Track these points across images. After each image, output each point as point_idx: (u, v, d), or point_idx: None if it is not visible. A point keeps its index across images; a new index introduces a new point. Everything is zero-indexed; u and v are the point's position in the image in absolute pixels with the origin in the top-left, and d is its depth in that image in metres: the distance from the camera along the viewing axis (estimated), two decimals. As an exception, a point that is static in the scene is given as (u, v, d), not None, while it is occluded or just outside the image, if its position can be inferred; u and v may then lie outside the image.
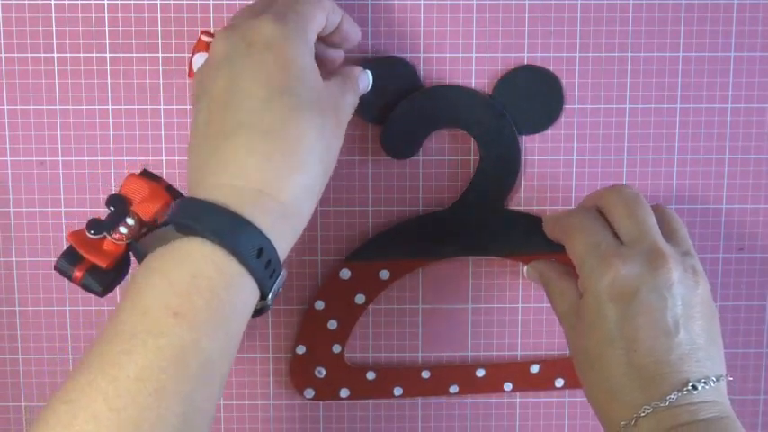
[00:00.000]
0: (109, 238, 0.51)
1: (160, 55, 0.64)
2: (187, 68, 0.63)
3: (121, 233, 0.51)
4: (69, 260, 0.51)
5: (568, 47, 0.64)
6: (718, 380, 0.53)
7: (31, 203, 0.65)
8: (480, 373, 0.68)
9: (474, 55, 0.64)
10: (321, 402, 0.69)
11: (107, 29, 0.63)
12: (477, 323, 0.68)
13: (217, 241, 0.46)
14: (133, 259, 0.52)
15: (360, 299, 0.66)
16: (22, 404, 0.68)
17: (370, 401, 0.69)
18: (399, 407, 0.69)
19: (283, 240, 0.50)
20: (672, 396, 0.52)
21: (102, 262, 0.51)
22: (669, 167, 0.66)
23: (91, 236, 0.51)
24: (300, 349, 0.67)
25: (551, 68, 0.64)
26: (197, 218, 0.47)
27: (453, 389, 0.69)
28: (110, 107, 0.64)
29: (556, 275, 0.60)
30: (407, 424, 0.69)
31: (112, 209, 0.51)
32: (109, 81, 0.64)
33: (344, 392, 0.68)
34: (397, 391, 0.68)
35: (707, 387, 0.53)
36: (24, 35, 0.63)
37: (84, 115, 0.64)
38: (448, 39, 0.64)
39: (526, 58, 0.64)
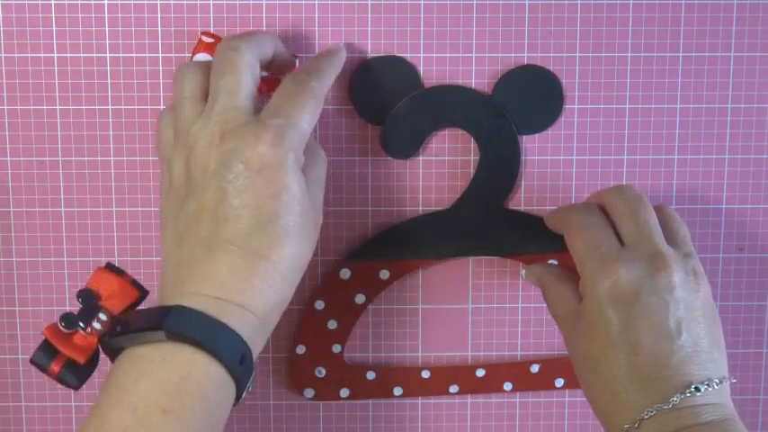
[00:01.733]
0: (82, 332, 0.53)
1: (160, 55, 0.64)
2: (187, 68, 0.63)
3: (95, 328, 0.53)
4: (46, 354, 0.53)
5: (568, 47, 0.64)
6: (721, 382, 0.53)
7: (31, 203, 0.65)
8: (480, 373, 0.68)
9: (474, 55, 0.64)
10: (321, 402, 0.69)
11: (107, 29, 0.63)
12: (477, 323, 0.68)
13: (207, 349, 0.49)
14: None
15: (360, 299, 0.66)
16: (22, 404, 0.68)
17: (370, 401, 0.69)
18: (399, 407, 0.69)
19: (257, 348, 0.53)
20: (675, 398, 0.52)
21: (79, 358, 0.53)
22: (669, 167, 0.66)
23: (63, 329, 0.53)
24: (300, 349, 0.67)
25: (551, 68, 0.64)
26: (190, 327, 0.50)
27: (453, 389, 0.69)
28: (110, 107, 0.64)
29: (553, 279, 0.60)
30: (407, 424, 0.69)
31: (82, 303, 0.53)
32: (109, 81, 0.64)
33: (344, 392, 0.68)
34: (397, 391, 0.68)
35: (710, 389, 0.53)
36: (24, 35, 0.63)
37: (84, 115, 0.64)
38: (448, 39, 0.64)
39: (526, 58, 0.64)
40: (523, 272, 0.64)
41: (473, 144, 0.65)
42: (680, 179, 0.66)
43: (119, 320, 0.52)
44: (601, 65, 0.65)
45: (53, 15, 0.63)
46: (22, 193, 0.65)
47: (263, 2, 0.63)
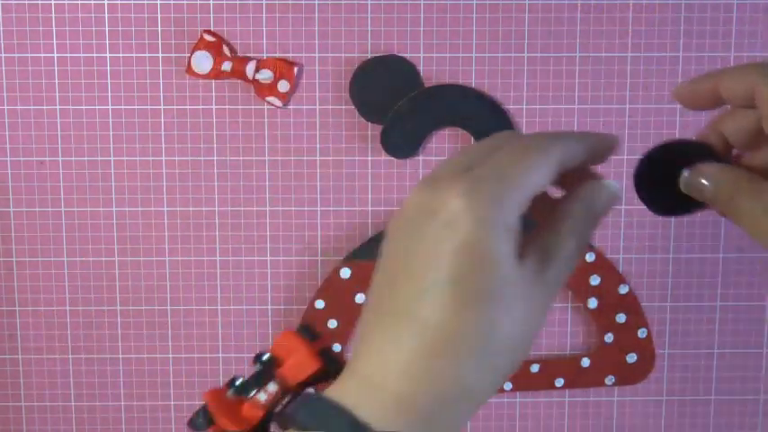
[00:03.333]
0: (248, 401, 0.47)
1: (160, 55, 0.64)
2: (186, 66, 0.63)
3: (260, 400, 0.46)
4: (204, 420, 0.47)
5: (568, 47, 0.64)
6: None
7: (31, 203, 0.65)
8: (480, 373, 0.68)
9: (474, 55, 0.64)
10: (321, 402, 0.69)
11: (107, 29, 0.63)
12: (477, 323, 0.68)
13: None
14: None
15: (360, 298, 0.66)
16: (22, 404, 0.68)
17: (370, 401, 0.69)
18: (399, 407, 0.69)
19: None
20: None
21: (234, 428, 0.46)
22: (669, 167, 0.66)
23: (229, 397, 0.47)
24: (300, 349, 0.67)
25: (551, 68, 0.64)
26: (315, 420, 0.41)
27: (453, 389, 0.68)
28: (110, 107, 0.64)
29: (747, 183, 0.44)
30: (407, 424, 0.69)
31: (259, 368, 0.48)
32: (109, 81, 0.64)
33: (344, 392, 0.68)
34: (397, 391, 0.68)
35: None
36: (24, 35, 0.63)
37: (84, 115, 0.64)
38: (448, 38, 0.64)
39: (526, 58, 0.64)
40: (686, 176, 0.46)
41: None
42: (680, 179, 0.66)
43: (292, 394, 0.46)
44: (600, 65, 0.65)
45: (53, 15, 0.63)
46: (22, 193, 0.65)
47: (263, 2, 0.63)
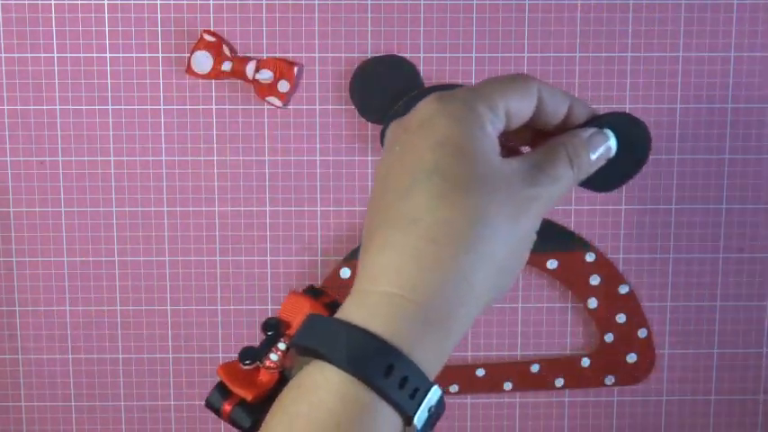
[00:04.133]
0: (262, 366, 0.46)
1: (160, 55, 0.64)
2: (186, 66, 0.63)
3: (272, 360, 0.46)
4: (220, 394, 0.45)
5: (568, 47, 0.64)
6: None
7: (31, 203, 0.65)
8: (480, 372, 0.68)
9: (474, 55, 0.64)
10: (321, 402, 0.69)
11: (107, 29, 0.63)
12: (478, 323, 0.68)
13: (335, 363, 0.39)
14: None
15: (360, 299, 0.66)
16: (22, 404, 0.68)
17: (370, 401, 0.69)
18: (399, 407, 0.69)
19: (426, 351, 0.42)
20: None
21: (247, 395, 0.45)
22: (669, 167, 0.66)
23: (244, 366, 0.46)
24: (300, 349, 0.67)
25: (551, 68, 0.64)
26: (312, 337, 0.40)
27: (453, 389, 0.69)
28: (110, 107, 0.64)
29: None
30: (407, 424, 0.69)
31: (268, 334, 0.46)
32: (109, 81, 0.64)
33: (344, 392, 0.68)
34: (397, 391, 0.68)
35: None
36: (24, 35, 0.63)
37: (84, 115, 0.64)
38: (448, 39, 0.64)
39: (526, 58, 0.64)
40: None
41: (473, 144, 0.65)
42: (680, 179, 0.66)
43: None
44: (601, 65, 0.65)
45: (53, 15, 0.63)
46: (22, 193, 0.65)
47: (263, 2, 0.63)
